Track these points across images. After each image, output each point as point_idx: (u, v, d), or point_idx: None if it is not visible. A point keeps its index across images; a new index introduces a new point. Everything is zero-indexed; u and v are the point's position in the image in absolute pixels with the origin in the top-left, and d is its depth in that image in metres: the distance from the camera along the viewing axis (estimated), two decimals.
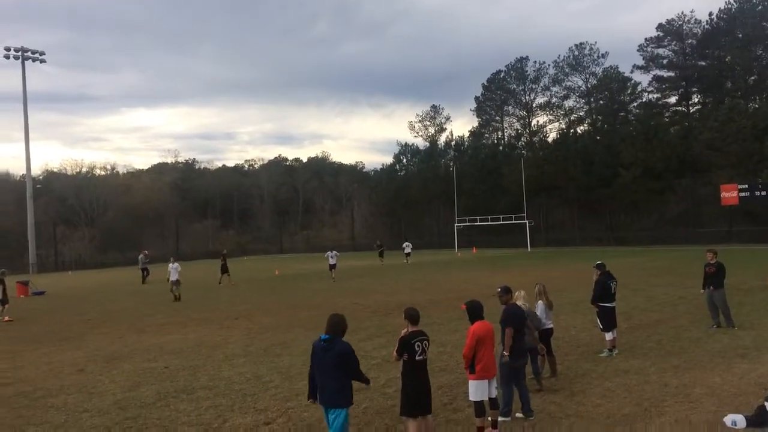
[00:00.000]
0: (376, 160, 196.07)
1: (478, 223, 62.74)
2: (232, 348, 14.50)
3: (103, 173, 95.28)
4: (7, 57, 60.35)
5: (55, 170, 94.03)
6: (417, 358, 7.07)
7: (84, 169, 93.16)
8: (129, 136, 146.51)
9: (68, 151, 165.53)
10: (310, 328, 16.92)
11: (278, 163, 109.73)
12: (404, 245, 48.34)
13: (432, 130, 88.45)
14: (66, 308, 20.29)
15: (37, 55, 61.88)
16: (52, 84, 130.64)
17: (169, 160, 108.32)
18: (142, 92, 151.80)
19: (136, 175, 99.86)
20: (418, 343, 7.09)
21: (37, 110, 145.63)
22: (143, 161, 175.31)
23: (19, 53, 60.53)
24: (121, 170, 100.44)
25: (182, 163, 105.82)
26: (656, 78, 69.95)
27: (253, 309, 21.74)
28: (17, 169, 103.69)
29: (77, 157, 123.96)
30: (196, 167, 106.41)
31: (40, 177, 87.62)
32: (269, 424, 8.71)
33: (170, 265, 27.06)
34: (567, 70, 76.25)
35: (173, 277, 26.10)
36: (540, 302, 10.53)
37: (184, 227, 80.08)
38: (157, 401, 10.13)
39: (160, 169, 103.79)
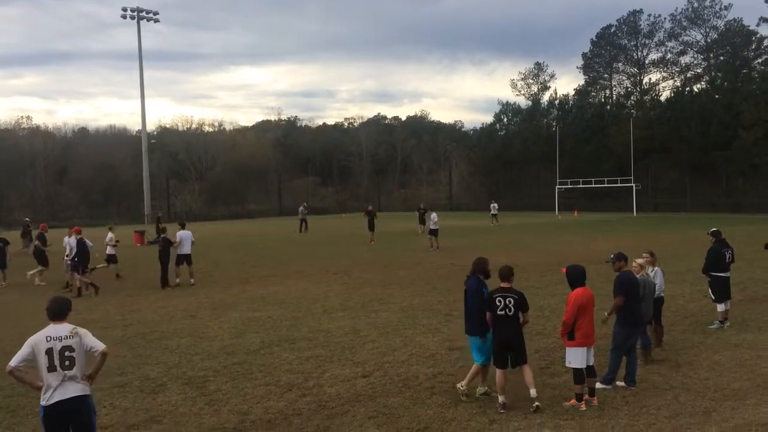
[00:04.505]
0: (475, 119, 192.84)
1: (580, 186, 60.65)
2: (331, 302, 14.94)
3: (211, 130, 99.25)
4: (123, 17, 63.30)
5: (167, 126, 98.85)
6: (498, 312, 7.49)
7: (194, 126, 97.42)
8: (235, 93, 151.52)
9: (179, 108, 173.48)
10: (406, 285, 17.14)
11: (377, 121, 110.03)
12: (491, 206, 46.47)
13: (535, 89, 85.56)
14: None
15: (151, 15, 64.51)
16: (164, 42, 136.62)
17: (273, 117, 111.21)
18: (248, 50, 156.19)
19: (241, 131, 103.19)
20: (500, 298, 7.51)
21: (150, 68, 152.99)
22: (247, 118, 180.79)
23: (135, 13, 63.32)
24: (227, 127, 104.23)
25: (285, 120, 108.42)
26: None
27: (352, 265, 22.22)
28: (133, 124, 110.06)
29: (187, 113, 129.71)
30: (298, 125, 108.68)
31: (154, 132, 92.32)
32: (366, 377, 8.94)
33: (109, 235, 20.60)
34: (685, 23, 71.28)
35: (109, 252, 20.35)
36: (658, 268, 10.07)
37: (285, 183, 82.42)
38: (261, 349, 10.63)
39: (264, 126, 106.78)
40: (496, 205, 46.81)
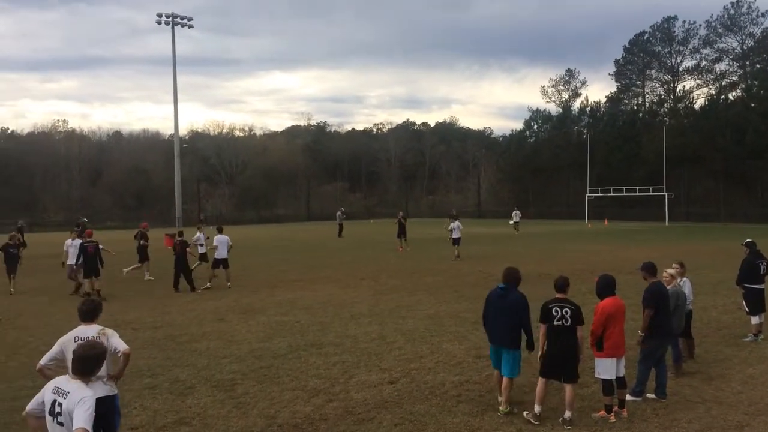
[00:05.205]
0: (505, 125, 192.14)
1: (611, 194, 59.92)
2: (358, 307, 14.97)
3: (241, 134, 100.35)
4: (158, 23, 64.31)
5: (199, 131, 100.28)
6: (554, 323, 7.33)
7: (225, 130, 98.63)
8: (265, 98, 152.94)
9: (210, 113, 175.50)
10: (433, 292, 17.11)
11: (406, 127, 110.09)
12: (513, 213, 44.85)
13: (566, 96, 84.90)
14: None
15: (185, 21, 65.44)
16: (197, 48, 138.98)
17: (302, 123, 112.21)
18: (278, 56, 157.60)
19: (271, 136, 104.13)
20: (556, 308, 7.35)
21: (183, 73, 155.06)
22: (277, 123, 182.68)
23: (170, 19, 64.31)
24: (258, 132, 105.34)
25: (314, 126, 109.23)
26: None
27: (379, 271, 22.26)
28: (166, 129, 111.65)
29: (219, 118, 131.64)
30: (327, 130, 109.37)
31: (186, 137, 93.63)
32: (393, 383, 8.94)
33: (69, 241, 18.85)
34: (720, 30, 70.14)
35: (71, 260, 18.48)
36: (686, 279, 9.86)
37: (314, 188, 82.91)
38: (288, 353, 10.70)
39: (293, 131, 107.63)
40: (518, 212, 45.49)
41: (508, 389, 7.70)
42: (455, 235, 26.71)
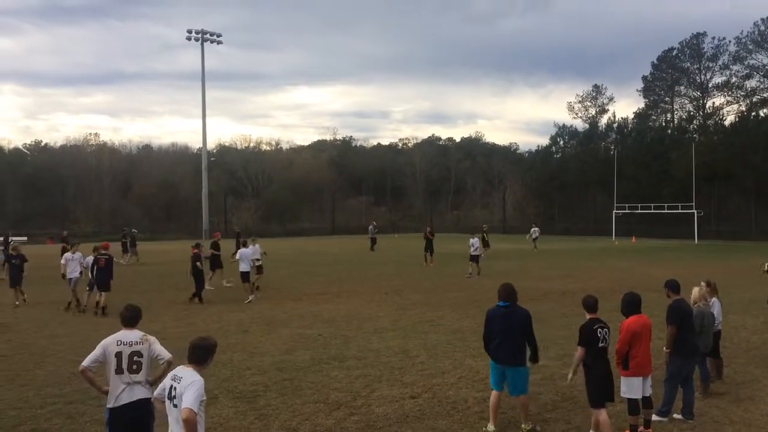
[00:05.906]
0: (531, 141, 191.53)
1: (639, 211, 59.16)
2: (381, 321, 14.96)
3: (268, 148, 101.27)
4: (188, 39, 65.51)
5: (226, 144, 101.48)
6: (599, 345, 7.10)
7: (251, 144, 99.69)
8: (291, 113, 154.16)
9: (238, 127, 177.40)
10: (457, 307, 17.03)
11: (431, 142, 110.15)
12: (532, 230, 44.28)
13: (593, 112, 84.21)
14: (232, 272, 22.05)
15: (215, 37, 66.51)
16: (225, 63, 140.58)
17: (328, 137, 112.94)
18: (304, 70, 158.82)
19: (297, 151, 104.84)
20: (599, 329, 7.14)
21: (212, 88, 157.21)
22: (303, 137, 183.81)
23: (200, 35, 65.42)
24: (284, 146, 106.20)
25: (339, 140, 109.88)
26: None
27: (403, 285, 22.22)
28: (194, 142, 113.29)
29: (246, 132, 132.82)
30: (353, 145, 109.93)
31: (214, 150, 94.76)
32: (415, 398, 8.91)
33: (70, 254, 18.27)
34: (751, 46, 69.12)
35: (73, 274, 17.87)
36: (715, 299, 9.68)
37: (339, 202, 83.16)
38: (311, 366, 10.73)
39: (319, 146, 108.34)
40: (537, 229, 45.05)
41: (527, 407, 7.62)
42: (472, 251, 25.95)
